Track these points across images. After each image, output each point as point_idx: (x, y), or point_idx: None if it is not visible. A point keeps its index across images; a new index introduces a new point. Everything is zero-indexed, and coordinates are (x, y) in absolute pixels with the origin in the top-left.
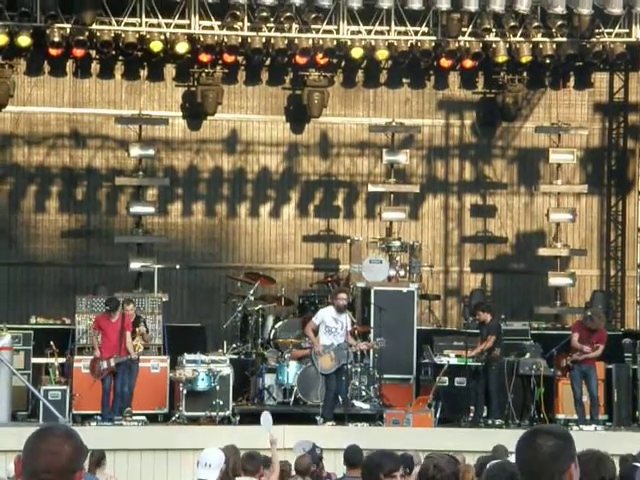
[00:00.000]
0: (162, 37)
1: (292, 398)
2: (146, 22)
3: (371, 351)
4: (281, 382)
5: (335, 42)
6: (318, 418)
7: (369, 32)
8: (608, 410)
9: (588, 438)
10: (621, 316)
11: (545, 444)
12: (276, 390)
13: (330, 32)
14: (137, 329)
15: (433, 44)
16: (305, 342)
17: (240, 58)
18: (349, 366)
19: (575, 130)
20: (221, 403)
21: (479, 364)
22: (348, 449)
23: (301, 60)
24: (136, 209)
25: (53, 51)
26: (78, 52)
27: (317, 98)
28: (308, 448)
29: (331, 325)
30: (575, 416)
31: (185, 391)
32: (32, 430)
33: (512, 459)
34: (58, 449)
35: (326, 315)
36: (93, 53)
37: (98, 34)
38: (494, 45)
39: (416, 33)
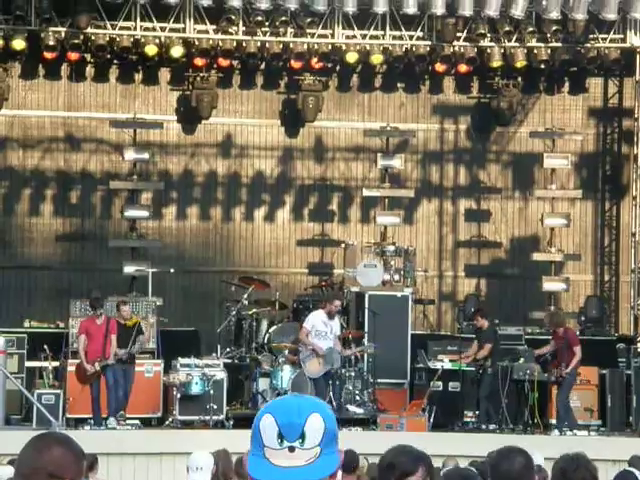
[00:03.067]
0: (157, 41)
1: None
2: (141, 26)
3: (365, 355)
4: (275, 386)
5: (330, 46)
6: None
7: (364, 37)
8: (602, 415)
9: (581, 443)
10: (615, 321)
11: (518, 459)
12: (270, 394)
13: (325, 37)
14: (140, 337)
15: (428, 49)
16: (301, 347)
17: (235, 62)
18: (342, 370)
19: (569, 135)
20: (215, 407)
21: (473, 369)
22: (343, 454)
23: (296, 64)
24: (130, 213)
25: (48, 55)
26: (73, 56)
27: (312, 102)
28: None
29: (321, 329)
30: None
31: (179, 395)
32: (26, 434)
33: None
34: (45, 449)
35: (316, 319)
36: (88, 57)
37: (93, 38)
38: (489, 50)
39: (411, 38)
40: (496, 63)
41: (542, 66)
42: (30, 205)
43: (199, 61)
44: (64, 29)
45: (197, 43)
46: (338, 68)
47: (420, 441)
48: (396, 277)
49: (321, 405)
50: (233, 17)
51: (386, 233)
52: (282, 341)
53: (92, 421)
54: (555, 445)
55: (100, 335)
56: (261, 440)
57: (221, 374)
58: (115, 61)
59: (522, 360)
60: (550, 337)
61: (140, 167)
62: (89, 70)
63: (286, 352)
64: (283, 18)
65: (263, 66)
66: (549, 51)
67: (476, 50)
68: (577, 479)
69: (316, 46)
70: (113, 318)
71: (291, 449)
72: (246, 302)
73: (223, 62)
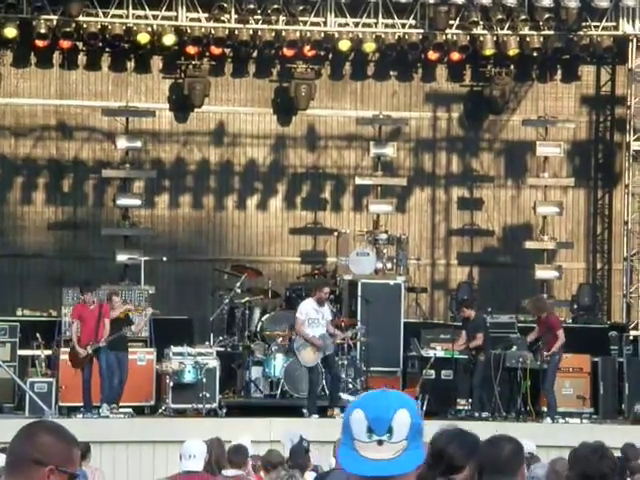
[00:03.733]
0: (149, 29)
1: (279, 391)
2: (133, 14)
3: (358, 344)
4: (268, 375)
5: (322, 34)
6: (305, 410)
7: (356, 24)
8: (594, 403)
9: (574, 431)
10: (607, 309)
11: (507, 445)
12: (263, 383)
13: (317, 24)
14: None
15: (420, 37)
16: (295, 336)
17: (227, 50)
18: (335, 358)
19: (562, 123)
20: (208, 396)
21: (465, 357)
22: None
23: (288, 52)
24: (123, 201)
25: (40, 43)
26: (65, 44)
27: (304, 90)
28: (296, 439)
29: (314, 316)
30: (562, 408)
31: (172, 383)
32: (18, 422)
33: None
34: (31, 434)
35: (308, 308)
36: (80, 45)
37: (85, 26)
38: (481, 38)
39: (403, 26)
40: (489, 51)
41: (535, 54)
42: (22, 193)
43: (191, 49)
44: (56, 17)
45: (189, 31)
46: (330, 56)
47: None
48: (389, 265)
49: (408, 400)
50: (225, 5)
51: (379, 221)
52: (275, 329)
53: (84, 409)
54: (547, 433)
55: (93, 319)
56: (351, 433)
57: (214, 362)
58: (107, 49)
59: (515, 348)
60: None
61: (132, 155)
62: (81, 58)
63: (279, 340)
64: (275, 6)
65: (255, 54)
66: (542, 39)
67: (469, 38)
68: (601, 468)
69: (308, 34)
70: (106, 303)
71: (379, 442)
72: (239, 290)
73: (215, 50)
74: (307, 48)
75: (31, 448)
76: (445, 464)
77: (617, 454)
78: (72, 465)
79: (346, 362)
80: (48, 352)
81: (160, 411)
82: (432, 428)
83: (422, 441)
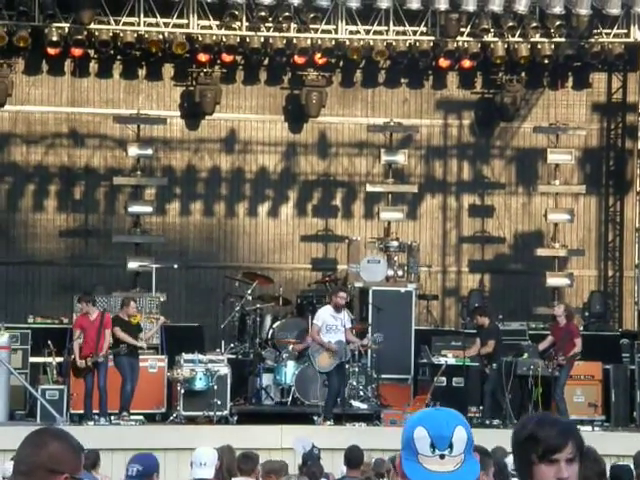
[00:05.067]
0: (160, 37)
1: (290, 398)
2: (144, 21)
3: (369, 351)
4: (279, 382)
5: (333, 42)
6: (316, 418)
7: (367, 32)
8: (606, 411)
9: (585, 438)
10: (619, 317)
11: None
12: (274, 390)
13: (328, 32)
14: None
15: (431, 44)
16: (310, 342)
17: (238, 58)
18: (347, 366)
19: (573, 130)
20: (219, 403)
21: (477, 364)
22: (349, 449)
23: (299, 60)
24: (134, 209)
25: (51, 50)
26: (76, 51)
27: (315, 98)
28: (308, 446)
29: (331, 323)
30: (573, 416)
31: (183, 391)
32: (30, 430)
33: (509, 460)
34: (42, 443)
35: (325, 314)
36: (91, 52)
37: (96, 33)
38: (492, 45)
39: (414, 33)
40: (500, 58)
41: (546, 61)
42: (34, 201)
43: (202, 57)
44: (67, 25)
45: (200, 39)
46: (342, 63)
47: None
48: (400, 272)
49: (461, 418)
50: (236, 12)
51: (390, 228)
52: (286, 336)
53: (96, 416)
54: None
55: (93, 330)
56: (415, 449)
57: (225, 369)
58: (119, 57)
59: (526, 355)
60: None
61: (144, 163)
62: (92, 66)
63: (290, 347)
64: (286, 14)
65: (266, 62)
66: (553, 46)
67: (480, 45)
68: (585, 471)
69: (319, 41)
70: (108, 313)
71: (442, 456)
72: (250, 297)
73: (226, 58)
74: (318, 56)
75: (44, 457)
76: (543, 446)
77: (629, 462)
78: (80, 471)
79: (357, 369)
80: (59, 359)
81: (171, 418)
82: None
83: (473, 452)
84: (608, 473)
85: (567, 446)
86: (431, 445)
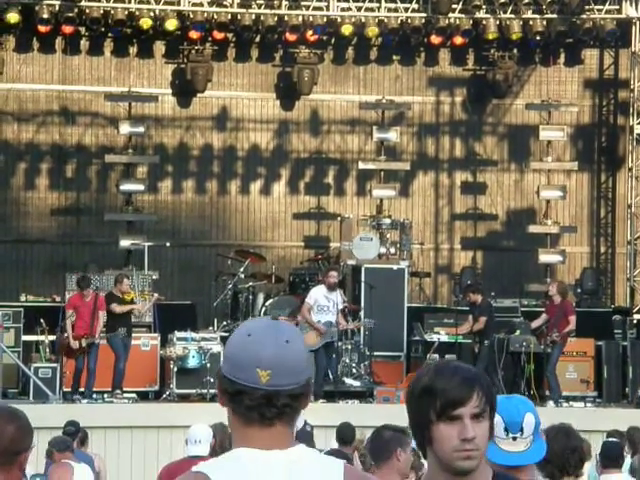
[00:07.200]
0: (151, 14)
1: None
2: None
3: (361, 328)
4: None
5: (325, 19)
6: None
7: (359, 9)
8: (598, 387)
9: (577, 415)
10: (611, 293)
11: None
12: None
13: (320, 9)
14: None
15: (423, 21)
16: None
17: (230, 35)
18: (339, 343)
19: (565, 107)
20: (212, 380)
21: (469, 341)
22: (340, 426)
23: (291, 37)
24: (126, 187)
25: (42, 28)
26: (67, 29)
27: (307, 75)
28: (300, 424)
29: (323, 303)
30: (565, 392)
31: (176, 369)
32: (22, 408)
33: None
34: (1, 430)
35: (318, 294)
36: (82, 30)
37: (87, 11)
38: (484, 22)
39: (406, 10)
40: (492, 35)
41: (538, 38)
42: (25, 179)
43: (194, 34)
44: (58, 2)
45: (192, 16)
46: (333, 41)
47: None
48: (392, 250)
49: (530, 404)
50: None
51: (382, 206)
52: (278, 314)
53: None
54: (551, 416)
55: (87, 312)
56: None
57: (217, 347)
58: (110, 34)
59: (518, 332)
60: (544, 309)
61: (135, 141)
62: (83, 43)
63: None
64: None
65: (258, 39)
66: (545, 23)
67: (471, 22)
68: (555, 448)
69: (311, 18)
70: (101, 295)
71: (514, 438)
72: (242, 275)
73: (218, 35)
74: (310, 33)
75: (7, 442)
76: (441, 401)
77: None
78: (31, 445)
79: (350, 347)
80: (52, 337)
81: (164, 396)
82: None
83: (540, 433)
84: (599, 449)
85: (471, 399)
86: (505, 429)
